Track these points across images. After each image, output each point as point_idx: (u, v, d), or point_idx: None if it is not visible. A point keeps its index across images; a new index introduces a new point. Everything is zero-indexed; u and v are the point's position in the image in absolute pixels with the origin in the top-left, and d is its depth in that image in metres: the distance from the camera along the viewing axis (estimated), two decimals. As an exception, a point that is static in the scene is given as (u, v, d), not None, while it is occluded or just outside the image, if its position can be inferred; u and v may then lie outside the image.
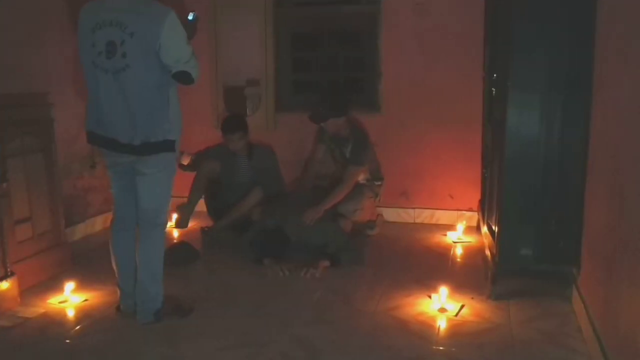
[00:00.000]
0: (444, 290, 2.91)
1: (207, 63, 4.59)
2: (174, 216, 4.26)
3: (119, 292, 2.85)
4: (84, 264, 3.56)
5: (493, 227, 3.17)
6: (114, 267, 2.82)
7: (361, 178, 4.03)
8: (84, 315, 2.88)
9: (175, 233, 4.14)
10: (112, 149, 2.62)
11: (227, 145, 4.00)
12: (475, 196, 4.20)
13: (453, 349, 2.49)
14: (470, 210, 4.34)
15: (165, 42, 2.44)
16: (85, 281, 3.25)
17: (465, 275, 3.34)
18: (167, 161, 2.66)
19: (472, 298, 2.98)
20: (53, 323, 2.80)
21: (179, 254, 3.54)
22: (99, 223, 4.36)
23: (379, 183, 4.13)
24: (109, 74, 2.48)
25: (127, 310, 2.81)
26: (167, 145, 2.60)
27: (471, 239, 4.00)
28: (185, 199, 4.11)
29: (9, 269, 2.93)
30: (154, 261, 2.73)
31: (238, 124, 3.98)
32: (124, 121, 2.54)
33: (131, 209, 2.76)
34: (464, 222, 4.20)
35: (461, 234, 4.04)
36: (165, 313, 2.75)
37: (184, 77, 2.55)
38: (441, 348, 2.51)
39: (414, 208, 4.47)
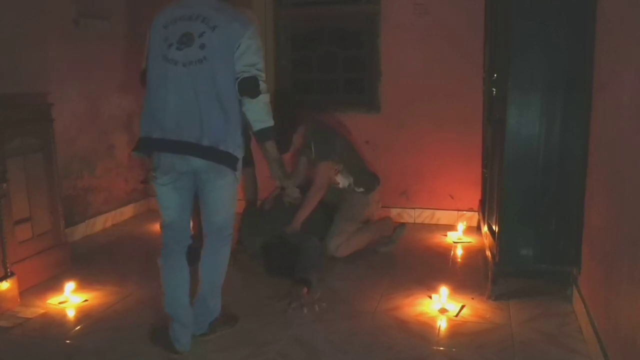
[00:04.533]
0: (444, 290, 2.91)
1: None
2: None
3: (170, 325, 2.46)
4: (84, 264, 3.57)
5: (493, 227, 3.17)
6: (166, 295, 2.47)
7: (341, 183, 3.72)
8: (84, 315, 2.88)
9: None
10: (175, 151, 2.32)
11: None
12: (475, 196, 4.21)
13: (453, 349, 2.49)
14: (470, 210, 4.34)
15: (246, 43, 2.31)
16: (85, 281, 3.25)
17: (465, 276, 3.34)
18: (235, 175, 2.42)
19: (473, 298, 2.98)
20: (53, 323, 2.80)
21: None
22: (99, 223, 4.37)
23: (361, 190, 3.72)
24: (179, 66, 2.28)
25: (181, 349, 2.44)
26: (232, 162, 2.36)
27: (471, 239, 4.00)
28: None
29: (9, 269, 2.93)
30: (220, 276, 2.55)
31: None
32: (192, 118, 2.29)
33: (186, 227, 2.52)
34: (465, 222, 4.20)
35: (461, 234, 4.04)
36: (217, 324, 2.60)
37: (250, 85, 2.33)
38: (441, 348, 2.51)
39: (414, 208, 4.47)
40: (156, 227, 4.40)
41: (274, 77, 4.57)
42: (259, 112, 2.42)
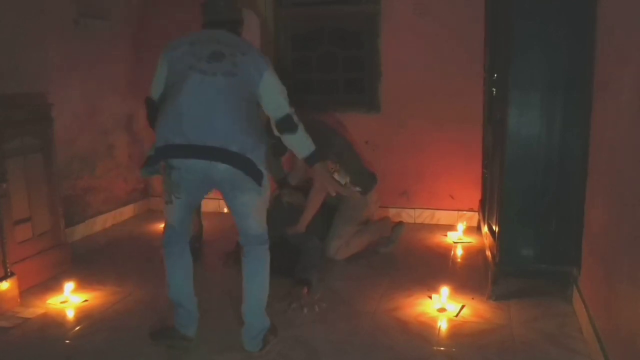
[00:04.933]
0: (444, 290, 2.91)
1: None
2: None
3: (175, 311, 2.51)
4: (84, 264, 3.56)
5: (493, 228, 3.17)
6: (170, 283, 2.51)
7: (340, 185, 3.59)
8: (84, 315, 2.88)
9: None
10: (196, 156, 2.27)
11: None
12: (475, 196, 4.21)
13: (453, 350, 2.49)
14: (470, 210, 4.34)
15: (269, 79, 2.38)
16: (85, 281, 3.25)
17: (465, 276, 3.34)
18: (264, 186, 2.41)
19: (473, 298, 2.98)
20: (53, 323, 2.80)
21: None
22: (99, 223, 4.37)
23: (358, 189, 3.61)
24: (208, 75, 2.28)
25: (188, 334, 2.50)
26: (258, 175, 2.33)
27: (472, 239, 4.00)
28: None
29: (8, 270, 2.93)
30: (265, 284, 2.53)
31: None
32: (219, 126, 2.26)
33: (188, 223, 2.54)
34: (465, 223, 4.20)
35: (462, 234, 4.04)
36: (268, 338, 2.54)
37: (288, 125, 2.42)
38: (442, 348, 2.51)
39: (414, 208, 4.47)
40: (156, 227, 4.41)
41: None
42: (303, 142, 2.52)
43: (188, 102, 2.27)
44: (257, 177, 2.32)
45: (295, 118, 2.43)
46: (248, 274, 2.51)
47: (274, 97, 2.40)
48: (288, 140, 2.49)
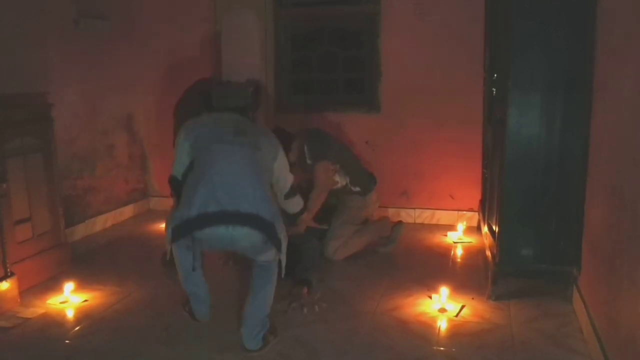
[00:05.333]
0: (444, 290, 2.91)
1: (208, 63, 4.60)
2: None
3: (191, 300, 2.68)
4: (84, 264, 3.56)
5: (493, 228, 3.17)
6: (183, 276, 2.62)
7: (339, 183, 3.67)
8: (84, 315, 2.88)
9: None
10: (229, 223, 2.33)
11: None
12: (475, 196, 4.21)
13: (453, 350, 2.49)
14: (470, 210, 4.34)
15: (281, 159, 2.67)
16: (85, 281, 3.25)
17: (465, 276, 3.34)
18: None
19: (473, 298, 2.98)
20: (53, 323, 2.80)
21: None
22: (99, 223, 4.37)
23: (357, 189, 3.70)
24: (236, 146, 2.49)
25: (203, 318, 2.70)
26: (279, 244, 2.43)
27: (472, 239, 4.00)
28: None
29: (8, 270, 2.93)
30: (271, 293, 2.59)
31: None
32: (251, 191, 2.39)
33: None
34: (465, 223, 4.20)
35: (462, 234, 4.04)
36: (268, 337, 2.56)
37: (290, 196, 2.83)
38: (442, 348, 2.51)
39: (414, 208, 4.47)
40: (156, 227, 4.41)
41: (274, 77, 4.57)
42: (296, 205, 2.96)
43: (219, 170, 2.40)
44: (278, 245, 2.44)
45: (293, 186, 2.82)
46: (256, 284, 2.57)
47: (284, 173, 2.72)
48: (288, 202, 2.87)
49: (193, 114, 2.79)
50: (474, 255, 3.72)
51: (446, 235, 4.09)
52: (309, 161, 3.58)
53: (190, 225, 2.34)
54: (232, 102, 2.74)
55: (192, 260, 2.44)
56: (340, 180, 3.72)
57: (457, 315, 2.80)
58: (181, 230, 2.37)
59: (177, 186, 2.59)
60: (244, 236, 2.36)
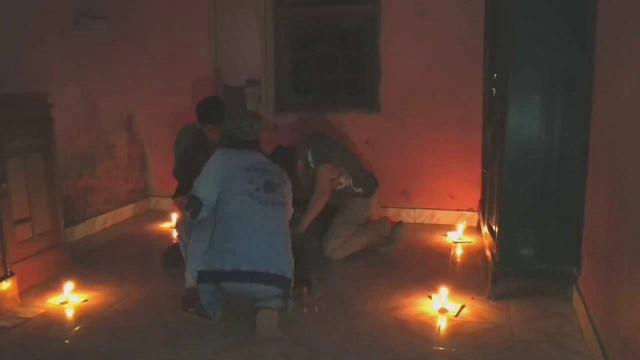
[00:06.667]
0: (444, 290, 2.90)
1: (208, 63, 4.61)
2: (174, 216, 4.27)
3: (200, 293, 2.69)
4: (83, 264, 3.56)
5: (493, 227, 3.17)
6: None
7: (344, 184, 3.68)
8: (84, 315, 2.88)
9: (175, 233, 4.13)
10: (256, 281, 2.59)
11: (208, 134, 3.60)
12: (475, 196, 4.21)
13: (453, 350, 2.49)
14: (470, 210, 4.34)
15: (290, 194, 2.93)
16: (85, 281, 3.25)
17: (465, 276, 3.34)
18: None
19: (473, 298, 2.98)
20: (53, 323, 2.80)
21: (179, 254, 3.53)
22: (99, 223, 4.37)
23: (360, 190, 3.72)
24: (268, 206, 2.70)
25: (218, 313, 2.71)
26: (287, 285, 2.68)
27: (471, 239, 4.00)
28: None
29: (8, 269, 2.93)
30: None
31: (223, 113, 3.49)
32: (279, 253, 2.67)
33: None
34: (464, 223, 4.20)
35: (461, 234, 4.04)
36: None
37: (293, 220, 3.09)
38: (441, 348, 2.51)
39: (414, 208, 4.47)
40: (156, 227, 4.42)
41: (274, 77, 4.57)
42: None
43: (254, 230, 2.64)
44: (287, 289, 2.69)
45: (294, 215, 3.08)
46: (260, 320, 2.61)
47: (289, 205, 2.94)
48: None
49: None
50: (474, 255, 3.72)
51: (446, 235, 4.09)
52: (312, 165, 3.60)
53: (220, 276, 2.61)
54: (250, 137, 2.88)
55: (214, 304, 2.65)
56: (345, 181, 3.74)
57: (457, 315, 2.80)
58: (209, 277, 2.62)
59: (198, 207, 2.74)
60: (265, 291, 2.61)
